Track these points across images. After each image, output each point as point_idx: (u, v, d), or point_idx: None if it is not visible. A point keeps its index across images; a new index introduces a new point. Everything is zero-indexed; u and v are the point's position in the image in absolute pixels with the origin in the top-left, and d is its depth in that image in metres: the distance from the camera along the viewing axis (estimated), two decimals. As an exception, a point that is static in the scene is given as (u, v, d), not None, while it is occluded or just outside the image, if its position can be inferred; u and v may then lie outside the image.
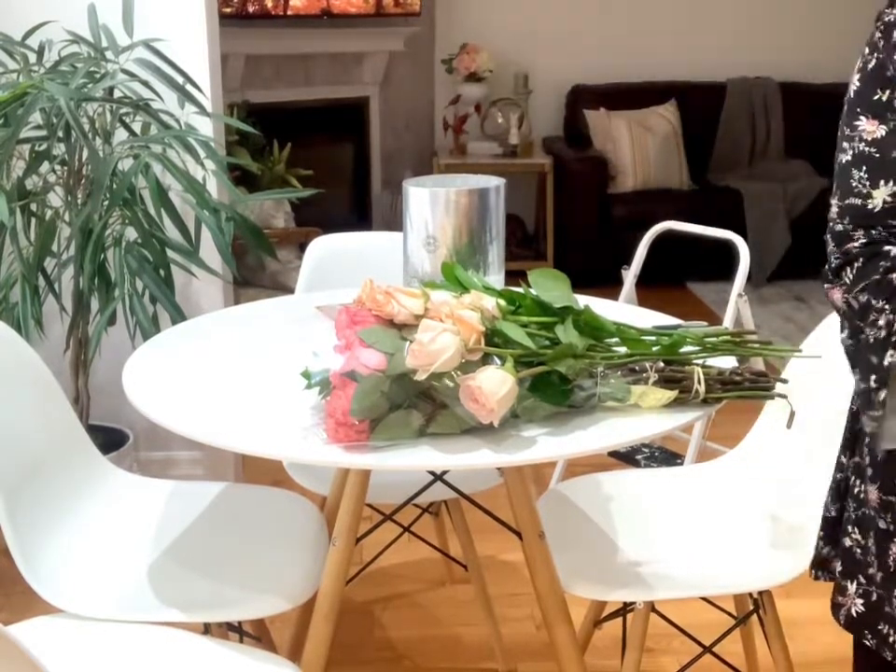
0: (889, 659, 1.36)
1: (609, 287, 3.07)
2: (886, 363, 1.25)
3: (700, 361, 1.57)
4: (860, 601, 1.37)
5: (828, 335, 1.84)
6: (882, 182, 1.26)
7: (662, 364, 1.54)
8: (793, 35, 5.93)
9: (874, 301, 1.26)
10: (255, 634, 1.93)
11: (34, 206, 2.65)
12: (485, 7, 5.79)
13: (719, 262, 4.02)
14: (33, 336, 2.46)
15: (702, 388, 1.52)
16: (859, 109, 1.29)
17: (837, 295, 1.32)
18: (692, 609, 1.93)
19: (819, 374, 1.83)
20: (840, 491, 1.44)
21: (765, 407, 2.00)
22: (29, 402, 1.84)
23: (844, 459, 1.43)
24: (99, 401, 2.83)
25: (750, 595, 1.84)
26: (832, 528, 1.45)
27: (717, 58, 5.88)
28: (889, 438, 1.29)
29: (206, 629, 1.78)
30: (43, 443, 1.85)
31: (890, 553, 1.32)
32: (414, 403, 1.43)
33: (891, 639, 1.34)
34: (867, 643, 1.38)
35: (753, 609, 1.84)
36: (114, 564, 1.77)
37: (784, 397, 1.55)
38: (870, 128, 1.27)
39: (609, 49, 5.86)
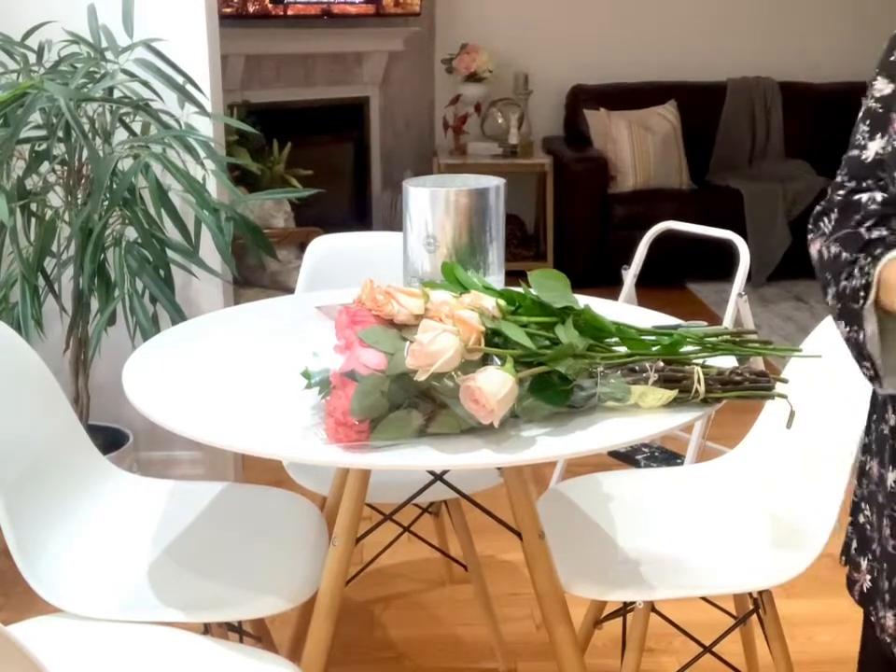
0: (878, 634, 1.38)
1: (609, 286, 3.07)
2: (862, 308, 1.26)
3: (700, 361, 1.57)
4: (868, 577, 1.39)
5: (828, 335, 1.84)
6: (878, 135, 1.31)
7: (662, 364, 1.54)
8: (793, 35, 5.93)
9: (845, 255, 1.29)
10: (255, 634, 1.93)
11: (34, 206, 2.64)
12: (485, 6, 5.79)
13: (719, 262, 4.03)
14: (32, 336, 2.46)
15: (702, 388, 1.52)
16: (877, 70, 1.34)
17: (816, 246, 1.34)
18: (692, 609, 1.93)
19: (819, 374, 1.83)
20: (861, 472, 1.46)
21: (765, 407, 2.00)
22: (29, 402, 1.84)
23: (866, 439, 1.45)
24: (99, 401, 2.83)
25: (750, 594, 1.84)
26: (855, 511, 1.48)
27: (717, 58, 5.88)
28: (889, 382, 1.29)
29: (206, 629, 1.79)
30: (43, 443, 1.85)
31: (884, 529, 1.34)
32: (414, 403, 1.43)
33: (880, 614, 1.36)
34: (871, 618, 1.40)
35: (753, 609, 1.84)
36: (114, 564, 1.77)
37: (784, 397, 1.55)
38: (880, 86, 1.32)
39: (609, 49, 5.86)
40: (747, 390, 1.55)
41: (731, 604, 2.00)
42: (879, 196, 1.30)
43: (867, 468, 1.42)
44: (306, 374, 1.51)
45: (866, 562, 1.40)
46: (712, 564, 1.78)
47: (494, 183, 1.87)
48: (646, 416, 1.50)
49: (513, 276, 1.83)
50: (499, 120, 5.62)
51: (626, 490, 2.03)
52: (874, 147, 1.31)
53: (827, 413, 1.77)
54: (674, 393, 1.51)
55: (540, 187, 5.68)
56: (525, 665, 2.37)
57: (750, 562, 1.78)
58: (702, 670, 1.93)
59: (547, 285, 1.55)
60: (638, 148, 5.46)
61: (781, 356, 1.65)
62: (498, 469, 1.91)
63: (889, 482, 1.34)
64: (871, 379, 1.30)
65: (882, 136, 1.30)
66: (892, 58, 1.32)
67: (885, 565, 1.34)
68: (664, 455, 3.36)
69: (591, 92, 5.71)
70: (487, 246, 1.86)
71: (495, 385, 1.37)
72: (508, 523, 1.76)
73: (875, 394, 1.40)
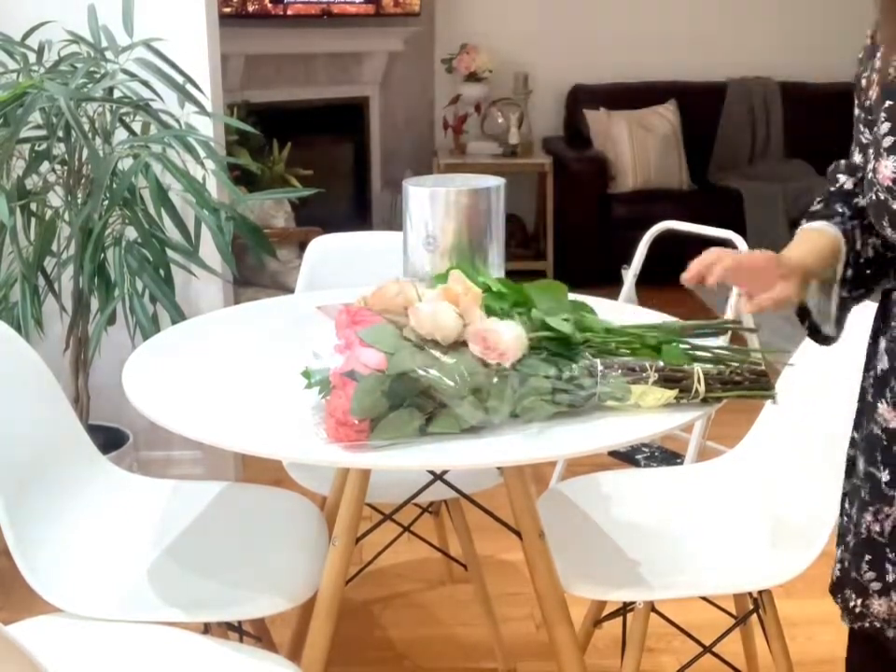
0: (847, 625, 1.45)
1: (609, 286, 3.07)
2: None
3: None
4: (838, 566, 1.46)
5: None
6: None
7: (661, 364, 1.54)
8: (793, 35, 5.92)
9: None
10: (255, 634, 1.93)
11: (34, 206, 2.64)
12: (485, 6, 5.79)
13: (719, 262, 4.01)
14: (33, 336, 2.46)
15: (702, 388, 1.52)
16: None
17: None
18: (692, 609, 1.93)
19: (819, 374, 1.83)
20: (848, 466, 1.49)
21: (765, 407, 2.00)
22: (29, 402, 1.84)
23: (855, 435, 1.47)
24: (99, 401, 2.83)
25: (750, 594, 1.84)
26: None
27: (717, 58, 5.88)
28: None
29: (206, 629, 1.78)
30: (43, 443, 1.85)
31: (864, 521, 1.40)
32: (414, 403, 1.43)
33: (852, 604, 1.43)
34: (837, 604, 1.47)
35: (753, 609, 1.83)
36: (114, 563, 1.77)
37: (775, 395, 1.56)
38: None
39: (609, 49, 5.86)
40: (747, 390, 1.55)
41: (731, 604, 2.00)
42: (851, 183, 1.45)
43: (855, 463, 1.44)
44: (306, 374, 1.51)
45: (839, 552, 1.45)
46: (712, 564, 1.78)
47: (494, 183, 1.87)
48: (646, 416, 1.50)
49: (513, 276, 1.82)
50: (499, 120, 5.62)
51: (626, 490, 2.03)
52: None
53: (827, 413, 1.77)
54: (674, 393, 1.51)
55: (540, 187, 5.68)
56: (525, 665, 2.37)
57: (750, 562, 1.78)
58: (702, 670, 1.93)
59: (545, 297, 1.57)
60: (638, 148, 5.45)
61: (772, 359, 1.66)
62: (498, 468, 1.91)
63: (883, 480, 1.37)
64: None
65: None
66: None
67: (866, 556, 1.40)
68: (664, 454, 3.36)
69: (591, 92, 5.71)
70: (487, 246, 1.86)
71: (502, 326, 1.44)
72: (508, 523, 1.76)
73: (863, 389, 1.43)
